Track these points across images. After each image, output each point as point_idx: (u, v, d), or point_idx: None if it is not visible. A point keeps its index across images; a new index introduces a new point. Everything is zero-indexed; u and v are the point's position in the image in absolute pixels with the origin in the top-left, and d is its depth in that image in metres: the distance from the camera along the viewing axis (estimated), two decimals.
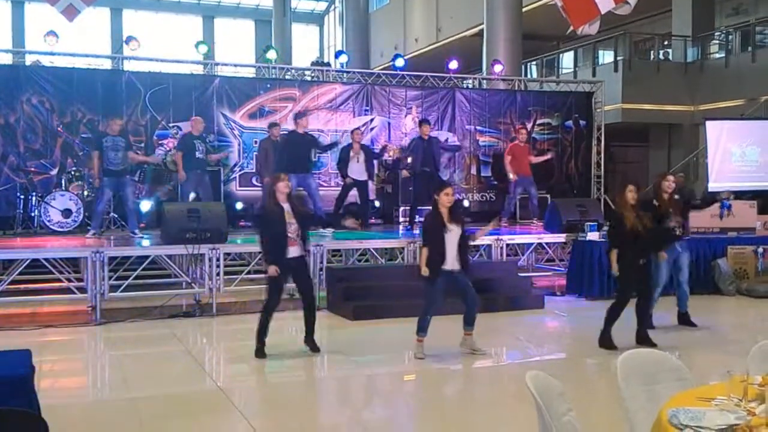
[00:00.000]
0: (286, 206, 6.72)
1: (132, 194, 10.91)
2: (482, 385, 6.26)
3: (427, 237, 6.79)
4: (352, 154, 11.92)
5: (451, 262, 6.65)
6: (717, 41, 20.57)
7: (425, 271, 6.65)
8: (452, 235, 6.63)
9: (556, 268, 11.60)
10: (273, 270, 6.66)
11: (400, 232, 12.19)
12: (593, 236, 10.42)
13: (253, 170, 13.32)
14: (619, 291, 7.33)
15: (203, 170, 11.19)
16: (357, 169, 11.89)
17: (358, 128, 12.87)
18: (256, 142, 13.40)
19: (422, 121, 12.20)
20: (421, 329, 6.82)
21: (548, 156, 13.93)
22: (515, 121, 15.54)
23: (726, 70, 19.12)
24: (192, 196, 11.07)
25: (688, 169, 18.91)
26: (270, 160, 11.69)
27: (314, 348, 6.97)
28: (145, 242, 10.06)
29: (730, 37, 19.80)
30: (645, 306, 7.40)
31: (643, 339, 7.21)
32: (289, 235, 6.68)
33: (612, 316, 7.20)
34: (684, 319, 8.20)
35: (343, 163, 11.92)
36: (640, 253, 7.19)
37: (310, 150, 11.51)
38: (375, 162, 12.77)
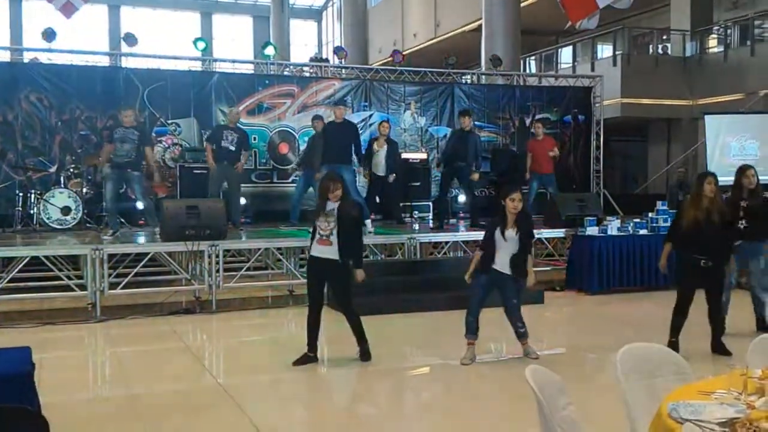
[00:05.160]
0: (333, 206, 6.41)
1: (141, 191, 10.44)
2: (482, 379, 6.27)
3: (483, 239, 6.70)
4: (375, 147, 11.77)
5: (501, 264, 6.49)
6: (716, 35, 20.57)
7: (468, 278, 6.60)
8: (506, 243, 6.45)
9: (556, 263, 11.61)
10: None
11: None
12: (592, 231, 10.43)
13: (252, 166, 13.35)
14: (677, 294, 6.78)
15: (230, 162, 10.92)
16: (379, 165, 11.77)
17: (386, 119, 12.70)
18: (255, 138, 13.40)
19: (461, 112, 11.60)
20: (466, 330, 6.58)
21: (555, 153, 12.93)
22: (514, 117, 15.55)
23: (725, 64, 19.12)
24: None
25: (688, 163, 18.94)
26: (313, 152, 11.47)
27: (363, 356, 6.65)
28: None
29: (729, 31, 19.79)
30: (714, 313, 6.78)
31: (716, 346, 6.74)
32: (321, 232, 6.40)
33: (673, 323, 6.71)
34: (761, 325, 7.57)
35: (367, 157, 11.74)
36: (701, 252, 6.56)
37: (348, 140, 10.93)
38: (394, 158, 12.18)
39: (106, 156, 10.13)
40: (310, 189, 11.56)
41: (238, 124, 11.40)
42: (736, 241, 7.22)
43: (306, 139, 12.62)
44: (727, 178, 8.06)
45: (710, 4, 20.62)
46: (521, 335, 6.68)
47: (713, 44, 20.54)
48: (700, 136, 17.31)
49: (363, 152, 11.48)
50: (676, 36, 20.62)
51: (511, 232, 6.46)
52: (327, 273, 6.52)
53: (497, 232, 6.50)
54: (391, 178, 11.89)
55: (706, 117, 15.94)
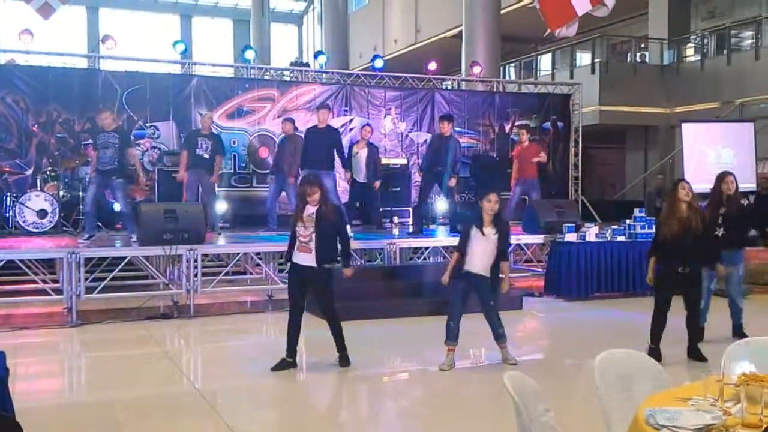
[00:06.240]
0: (312, 209, 6.36)
1: (123, 198, 9.95)
2: (461, 385, 6.27)
3: (459, 238, 6.71)
4: (355, 150, 11.72)
5: (477, 266, 6.48)
6: (693, 44, 20.83)
7: (445, 279, 6.59)
8: (484, 240, 6.44)
9: (534, 269, 11.66)
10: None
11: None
12: (571, 237, 10.49)
13: (231, 170, 13.29)
14: (656, 300, 6.89)
15: (205, 169, 10.78)
16: (358, 169, 11.71)
17: (368, 124, 12.69)
18: (234, 142, 13.35)
19: (441, 117, 11.59)
20: (447, 336, 6.59)
21: (542, 158, 12.92)
22: (494, 123, 15.60)
23: (701, 72, 19.36)
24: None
25: (665, 170, 19.12)
26: (281, 155, 11.56)
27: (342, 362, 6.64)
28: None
29: (706, 40, 20.05)
30: (691, 318, 6.87)
31: (691, 352, 6.83)
32: (300, 240, 6.37)
33: (652, 329, 6.79)
34: (737, 332, 7.66)
35: (349, 161, 11.71)
36: (680, 259, 6.65)
37: (329, 146, 10.95)
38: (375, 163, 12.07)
39: (93, 165, 9.96)
40: (283, 193, 11.57)
41: (212, 129, 11.32)
42: (715, 249, 7.26)
43: None
44: (704, 186, 8.14)
45: (687, 13, 20.88)
46: (499, 336, 6.68)
47: (690, 53, 20.80)
48: (677, 144, 17.49)
49: (346, 157, 11.52)
50: (654, 44, 20.85)
51: (490, 231, 6.47)
52: (308, 280, 6.49)
53: (474, 229, 6.50)
54: (377, 184, 11.86)
55: (683, 125, 16.10)
